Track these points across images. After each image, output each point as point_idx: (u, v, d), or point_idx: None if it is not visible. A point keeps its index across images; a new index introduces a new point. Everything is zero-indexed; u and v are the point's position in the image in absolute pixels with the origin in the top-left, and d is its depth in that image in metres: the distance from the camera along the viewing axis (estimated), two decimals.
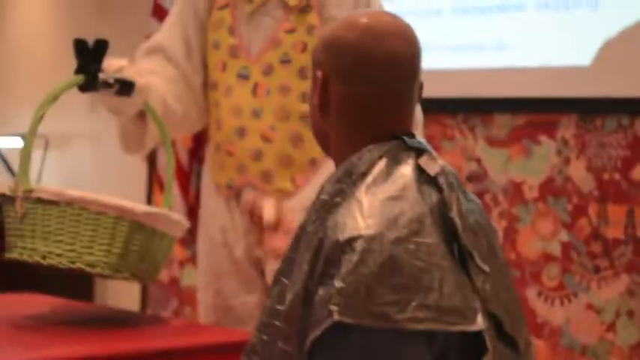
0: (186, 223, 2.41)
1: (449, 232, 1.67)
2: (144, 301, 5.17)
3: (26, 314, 2.45)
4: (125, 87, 2.41)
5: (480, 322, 1.62)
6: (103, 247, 2.22)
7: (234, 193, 2.69)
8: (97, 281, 5.65)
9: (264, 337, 1.77)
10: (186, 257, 5.09)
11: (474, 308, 1.62)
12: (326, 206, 1.71)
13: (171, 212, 2.36)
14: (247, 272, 2.71)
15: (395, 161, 1.71)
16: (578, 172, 3.72)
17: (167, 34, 2.77)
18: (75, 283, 5.34)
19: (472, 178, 3.98)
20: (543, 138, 3.82)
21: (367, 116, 1.76)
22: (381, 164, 1.71)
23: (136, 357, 2.08)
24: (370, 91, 1.76)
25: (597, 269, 3.66)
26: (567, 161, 3.75)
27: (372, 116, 1.77)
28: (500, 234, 3.90)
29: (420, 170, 1.71)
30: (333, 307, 1.55)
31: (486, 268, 1.69)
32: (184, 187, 4.92)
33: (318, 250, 1.65)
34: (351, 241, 1.59)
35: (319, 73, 1.76)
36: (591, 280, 3.68)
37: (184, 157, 4.97)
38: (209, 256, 2.79)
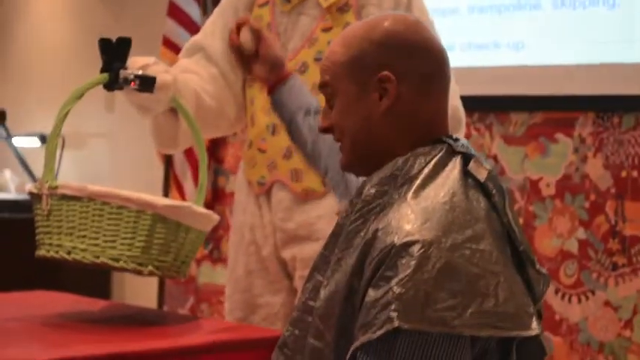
0: (215, 217, 2.41)
1: (501, 238, 1.68)
2: (161, 299, 5.19)
3: (47, 312, 2.46)
4: (146, 83, 2.42)
5: (535, 327, 1.65)
6: (126, 241, 2.24)
7: (264, 190, 2.69)
8: (114, 280, 5.67)
9: (296, 332, 1.78)
10: (204, 255, 5.11)
11: (529, 313, 1.65)
12: (369, 207, 1.71)
13: (195, 205, 2.36)
14: (274, 272, 2.72)
15: (443, 166, 1.71)
16: (596, 169, 3.73)
17: (207, 33, 2.79)
18: (92, 282, 5.36)
19: None
20: (560, 136, 3.82)
21: (429, 114, 1.75)
22: (429, 168, 1.70)
23: (160, 355, 2.09)
24: (436, 87, 1.76)
25: (615, 266, 3.67)
26: (584, 159, 3.76)
27: (433, 114, 1.76)
28: None
29: (466, 175, 1.71)
30: (393, 314, 1.57)
31: (544, 270, 1.73)
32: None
33: (365, 251, 1.65)
34: (407, 245, 1.60)
35: (388, 74, 1.72)
36: (609, 278, 3.68)
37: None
38: (239, 253, 2.80)
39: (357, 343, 1.61)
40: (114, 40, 2.39)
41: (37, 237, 2.32)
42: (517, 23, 3.93)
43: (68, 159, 5.94)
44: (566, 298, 3.77)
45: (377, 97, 1.73)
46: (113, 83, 2.39)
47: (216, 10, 2.83)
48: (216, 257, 5.06)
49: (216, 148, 4.97)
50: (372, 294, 1.61)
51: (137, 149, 5.54)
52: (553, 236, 3.82)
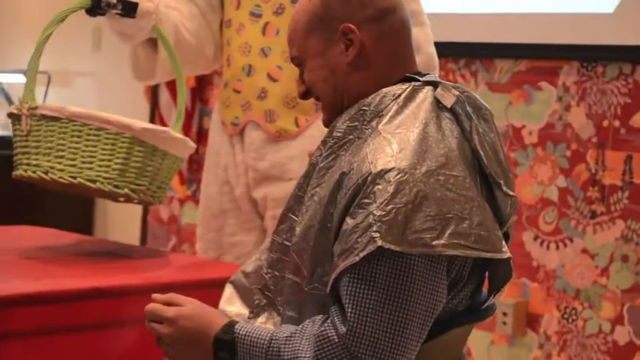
0: (192, 144, 2.43)
1: (472, 162, 1.73)
2: (143, 238, 5.21)
3: (28, 246, 2.48)
4: (128, 7, 2.45)
5: (506, 250, 1.71)
6: (104, 163, 2.26)
7: (238, 130, 2.70)
8: (96, 219, 5.69)
9: (276, 273, 1.82)
10: (187, 195, 5.13)
11: (499, 237, 1.71)
12: (339, 143, 1.76)
13: (173, 131, 2.37)
14: (246, 211, 2.73)
15: (412, 98, 1.76)
16: (578, 118, 3.75)
17: None
18: (74, 221, 5.38)
19: None
20: (544, 84, 3.84)
21: (395, 51, 1.81)
22: (399, 102, 1.75)
23: (142, 289, 2.12)
24: (395, 22, 1.81)
25: (593, 214, 3.70)
26: (568, 107, 3.78)
27: (398, 49, 1.82)
28: None
29: (438, 104, 1.76)
30: (375, 234, 1.61)
31: (512, 192, 1.77)
32: (186, 127, 4.94)
33: (339, 182, 1.69)
34: (383, 172, 1.64)
35: (350, 26, 1.79)
36: (587, 225, 3.71)
37: (187, 96, 4.99)
38: (212, 192, 2.82)
39: (339, 269, 1.65)
40: None
41: (15, 157, 2.33)
42: None
43: (54, 97, 5.94)
44: (545, 244, 3.81)
45: (343, 49, 1.80)
46: (96, 8, 2.41)
47: None
48: (199, 198, 5.07)
49: (201, 89, 4.97)
50: (350, 221, 1.65)
51: (123, 89, 5.54)
52: (534, 183, 3.85)
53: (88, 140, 2.27)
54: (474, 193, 1.69)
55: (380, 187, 1.63)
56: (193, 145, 2.44)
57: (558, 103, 3.80)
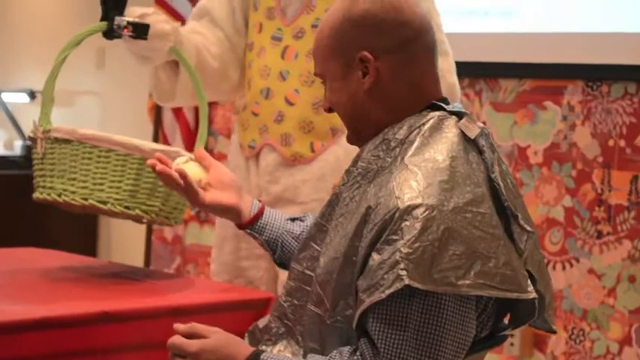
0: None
1: (494, 194, 1.72)
2: (147, 259, 5.20)
3: (34, 269, 2.47)
4: (139, 29, 2.46)
5: (531, 290, 1.69)
6: (114, 184, 2.28)
7: (254, 153, 2.70)
8: (100, 239, 5.68)
9: (295, 302, 1.81)
10: (191, 216, 5.12)
11: (524, 275, 1.69)
12: (364, 173, 1.76)
13: (184, 151, 2.38)
14: None
15: (438, 129, 1.75)
16: (583, 137, 3.74)
17: None
18: (79, 241, 5.38)
19: None
20: (549, 103, 3.84)
21: (414, 81, 1.80)
22: (425, 131, 1.74)
23: (150, 313, 2.10)
24: (415, 53, 1.80)
25: (600, 234, 3.69)
26: (572, 127, 3.77)
27: (418, 80, 1.81)
28: None
29: (463, 136, 1.75)
30: (402, 272, 1.60)
31: (529, 227, 1.74)
32: (189, 145, 4.94)
33: (366, 216, 1.68)
34: (411, 208, 1.63)
35: (366, 54, 1.78)
36: (593, 246, 3.70)
37: (190, 116, 4.98)
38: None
39: (364, 305, 1.64)
40: None
41: (34, 180, 2.37)
42: None
43: (58, 116, 5.92)
44: (551, 265, 3.80)
45: (360, 76, 1.79)
46: (111, 31, 2.43)
47: None
48: (204, 218, 5.07)
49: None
50: (376, 257, 1.64)
51: (127, 108, 5.54)
52: (539, 203, 3.84)
53: (98, 162, 2.28)
54: (500, 231, 1.67)
55: (407, 223, 1.62)
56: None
57: (563, 123, 3.80)
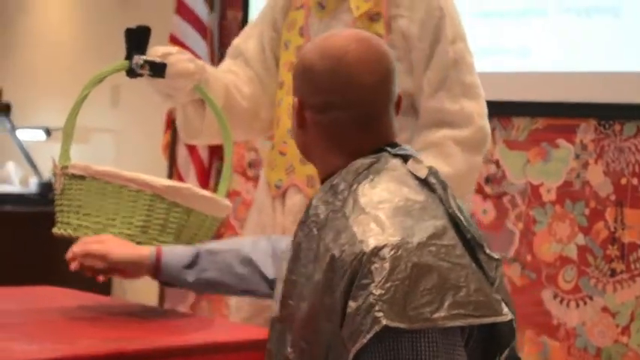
0: (225, 203, 2.43)
1: (455, 228, 1.74)
2: (161, 295, 5.21)
3: (49, 308, 2.48)
4: (156, 68, 2.49)
5: (507, 312, 1.70)
6: (126, 220, 2.30)
7: (280, 193, 2.70)
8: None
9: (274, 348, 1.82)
10: None
11: (498, 300, 1.71)
12: (317, 220, 1.78)
13: (196, 188, 2.40)
14: (282, 273, 2.71)
15: (385, 169, 1.78)
16: (596, 176, 3.75)
17: (246, 36, 2.84)
18: (93, 278, 5.38)
19: (491, 180, 4.01)
20: (562, 142, 3.84)
21: (345, 138, 1.84)
22: (372, 173, 1.78)
23: (167, 353, 2.11)
24: (344, 117, 1.84)
25: (613, 273, 3.69)
26: (585, 165, 3.78)
27: (349, 138, 1.84)
28: (518, 236, 3.93)
29: (410, 175, 1.78)
30: (379, 314, 1.61)
31: (496, 255, 1.77)
32: (203, 183, 4.96)
33: (331, 266, 1.69)
34: (377, 250, 1.65)
35: (295, 100, 1.86)
36: (607, 284, 3.70)
37: (204, 154, 5.01)
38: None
39: (351, 354, 1.64)
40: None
41: (55, 216, 2.40)
42: (522, 29, 3.95)
43: (74, 152, 5.95)
44: (565, 303, 3.79)
45: (297, 120, 1.88)
46: (131, 70, 2.46)
47: (260, 12, 2.87)
48: None
49: (220, 146, 4.98)
50: (352, 304, 1.65)
51: (141, 145, 5.57)
52: (552, 241, 3.84)
53: (111, 198, 2.32)
54: (466, 260, 1.69)
55: (376, 265, 1.64)
56: (226, 203, 2.45)
57: (576, 161, 3.80)
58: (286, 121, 2.67)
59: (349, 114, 1.83)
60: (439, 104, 2.58)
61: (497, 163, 4.00)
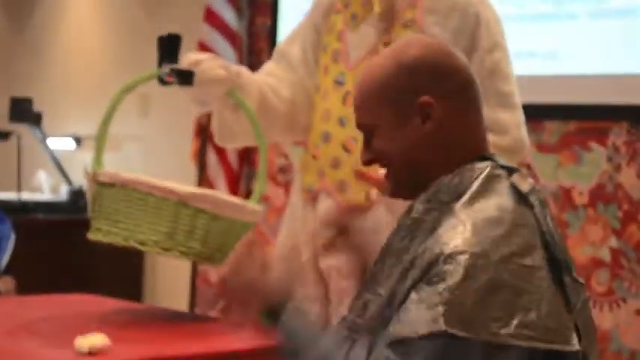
0: (253, 208, 2.44)
1: (544, 249, 1.70)
2: (192, 300, 5.22)
3: (82, 315, 2.49)
4: (183, 76, 2.50)
5: (575, 343, 1.66)
6: (152, 226, 2.34)
7: (312, 197, 2.69)
8: (146, 281, 5.71)
9: (344, 349, 1.80)
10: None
11: (569, 328, 1.67)
12: (416, 224, 1.75)
13: (221, 194, 2.42)
14: (311, 280, 2.71)
15: (491, 181, 1.74)
16: (629, 178, 3.73)
17: (290, 40, 2.83)
18: (125, 283, 5.41)
19: None
20: (594, 145, 3.82)
21: (470, 127, 1.79)
22: (478, 183, 1.73)
23: (198, 358, 2.11)
24: (468, 99, 1.79)
25: None
26: (618, 168, 3.76)
27: (473, 126, 1.80)
28: None
29: (514, 189, 1.74)
30: (440, 317, 1.58)
31: (581, 280, 1.74)
32: (232, 189, 4.97)
33: (412, 263, 1.67)
34: (455, 254, 1.62)
35: (427, 98, 1.75)
36: None
37: (234, 160, 5.01)
38: (282, 255, 2.81)
39: (392, 337, 1.62)
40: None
41: (90, 221, 2.44)
42: (552, 32, 3.94)
43: (105, 161, 5.99)
44: (598, 306, 3.77)
45: (419, 122, 1.76)
46: (161, 78, 2.48)
47: (304, 15, 2.86)
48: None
49: (249, 151, 5.00)
50: (414, 297, 1.63)
51: (171, 153, 5.59)
52: (585, 244, 3.82)
53: (138, 205, 2.35)
54: (545, 284, 1.65)
55: (451, 267, 1.61)
56: (255, 208, 2.45)
57: (608, 164, 3.78)
58: (319, 125, 2.67)
59: (474, 91, 1.79)
60: None
61: (528, 167, 3.98)
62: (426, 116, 1.76)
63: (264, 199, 4.94)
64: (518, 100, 2.60)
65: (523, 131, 2.60)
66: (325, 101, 2.67)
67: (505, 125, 2.54)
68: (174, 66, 2.50)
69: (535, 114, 3.94)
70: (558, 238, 1.74)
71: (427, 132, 1.76)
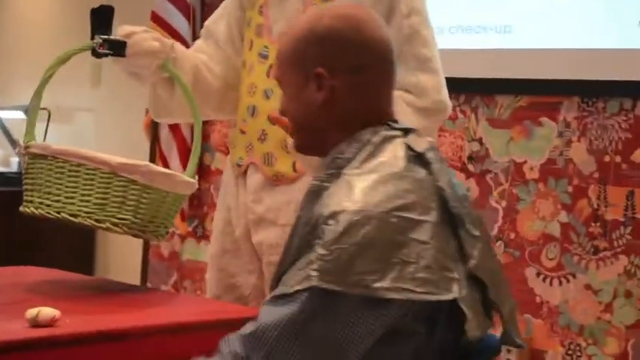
0: (182, 178, 2.42)
1: (440, 203, 1.74)
2: (144, 275, 5.20)
3: (31, 288, 2.47)
4: (115, 47, 2.50)
5: (455, 291, 1.68)
6: (84, 198, 2.32)
7: (241, 171, 2.70)
8: (97, 255, 5.68)
9: None
10: (188, 231, 5.12)
11: (450, 278, 1.69)
12: (315, 192, 1.79)
13: (154, 165, 2.41)
14: (247, 253, 2.72)
15: (382, 143, 1.79)
16: (579, 154, 3.75)
17: (215, 18, 2.84)
18: (76, 257, 5.38)
19: (474, 158, 4.01)
20: (545, 120, 3.84)
21: (368, 102, 1.85)
22: (369, 147, 1.79)
23: (146, 331, 2.11)
24: (372, 78, 1.85)
25: (596, 250, 3.70)
26: (568, 143, 3.78)
27: (372, 102, 1.85)
28: (501, 214, 3.93)
29: (409, 149, 1.79)
30: (313, 273, 1.63)
31: (476, 232, 1.75)
32: (185, 162, 4.95)
33: (304, 233, 1.73)
34: (335, 214, 1.66)
35: (321, 70, 1.83)
36: (590, 261, 3.71)
37: (187, 133, 4.99)
38: (217, 232, 2.82)
39: (270, 294, 1.67)
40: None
41: (23, 195, 2.42)
42: (504, 6, 3.95)
43: (55, 133, 5.95)
44: (548, 280, 3.80)
45: (315, 89, 1.84)
46: (95, 50, 2.46)
47: None
48: (200, 234, 5.07)
49: (203, 124, 4.97)
50: (300, 260, 1.68)
51: (123, 124, 5.55)
52: (536, 219, 3.85)
53: (69, 176, 2.35)
54: (427, 236, 1.68)
55: (330, 227, 1.65)
56: (186, 179, 2.44)
57: (559, 139, 3.81)
58: (245, 99, 2.68)
59: (376, 72, 1.84)
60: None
61: (480, 141, 3.99)
62: (321, 86, 1.83)
63: (218, 173, 4.92)
64: (439, 64, 2.63)
65: (444, 94, 2.61)
66: (250, 75, 2.68)
67: (424, 87, 2.57)
68: (107, 37, 2.49)
69: (487, 89, 3.97)
70: (459, 193, 1.77)
71: (319, 101, 1.83)
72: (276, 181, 2.63)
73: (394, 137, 1.81)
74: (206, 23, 2.87)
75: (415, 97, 2.54)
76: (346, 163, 1.78)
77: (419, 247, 1.66)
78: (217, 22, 2.82)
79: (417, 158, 1.78)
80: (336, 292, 1.62)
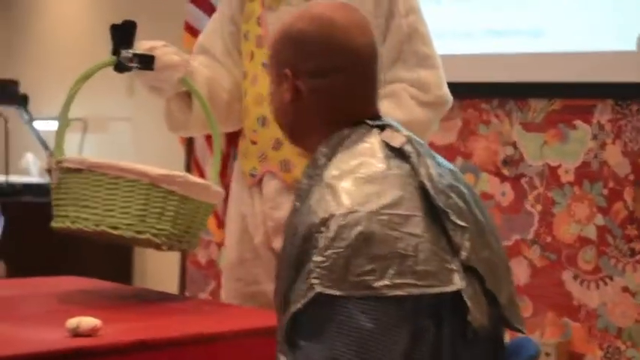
0: (217, 189, 2.45)
1: (422, 197, 1.72)
2: (182, 283, 5.23)
3: (71, 297, 2.50)
4: (144, 61, 2.52)
5: (457, 282, 1.67)
6: (124, 210, 2.33)
7: (256, 181, 2.71)
8: (135, 265, 5.72)
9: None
10: (224, 239, 5.13)
11: (449, 269, 1.67)
12: (300, 194, 1.79)
13: (191, 176, 2.42)
14: (267, 260, 2.73)
15: (358, 141, 1.79)
16: (614, 156, 3.74)
17: (207, 33, 2.86)
18: (114, 267, 5.41)
19: (508, 162, 4.01)
20: (579, 123, 3.84)
21: (337, 105, 1.84)
22: (344, 147, 1.78)
23: (187, 340, 2.12)
24: (342, 80, 1.84)
25: (633, 252, 3.68)
26: (603, 146, 3.77)
27: (341, 104, 1.84)
28: (536, 218, 3.92)
29: (386, 146, 1.78)
30: (315, 280, 1.62)
31: (462, 223, 1.72)
32: (222, 171, 4.97)
33: (293, 239, 1.72)
34: (325, 220, 1.66)
35: (287, 72, 1.84)
36: (627, 264, 3.70)
37: (222, 141, 5.01)
38: (233, 241, 2.82)
39: (285, 318, 1.66)
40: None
41: (53, 211, 2.41)
42: (537, 10, 3.94)
43: (91, 143, 5.99)
44: (585, 284, 3.79)
45: (285, 89, 1.87)
46: (120, 64, 2.49)
47: (217, 7, 2.89)
48: None
49: (234, 133, 4.99)
50: (296, 275, 1.68)
51: (158, 133, 5.57)
52: (571, 222, 3.84)
53: (107, 189, 2.35)
54: (420, 230, 1.67)
55: (322, 234, 1.65)
56: (218, 189, 2.47)
57: (594, 142, 3.80)
58: (253, 109, 2.69)
59: (346, 76, 1.84)
60: (396, 74, 2.64)
61: (514, 145, 3.99)
62: (289, 87, 1.85)
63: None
64: (438, 59, 2.69)
65: (445, 88, 2.68)
66: (255, 86, 2.69)
67: (426, 83, 2.64)
68: (136, 51, 2.51)
69: (521, 93, 3.97)
70: (443, 184, 1.74)
71: (287, 100, 1.86)
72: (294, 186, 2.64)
73: (370, 135, 1.80)
74: (199, 40, 2.89)
75: (419, 91, 2.62)
76: (324, 165, 1.78)
77: (414, 239, 1.66)
78: (211, 37, 2.84)
79: (398, 153, 1.77)
80: (338, 297, 1.62)
